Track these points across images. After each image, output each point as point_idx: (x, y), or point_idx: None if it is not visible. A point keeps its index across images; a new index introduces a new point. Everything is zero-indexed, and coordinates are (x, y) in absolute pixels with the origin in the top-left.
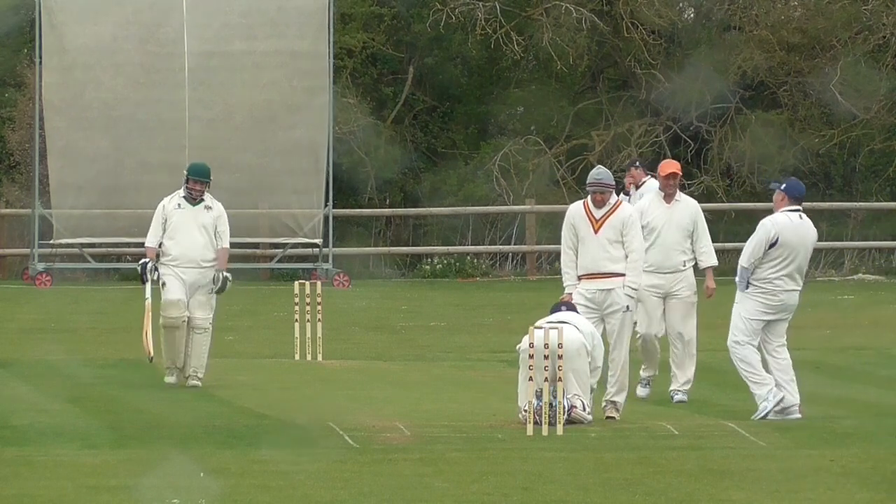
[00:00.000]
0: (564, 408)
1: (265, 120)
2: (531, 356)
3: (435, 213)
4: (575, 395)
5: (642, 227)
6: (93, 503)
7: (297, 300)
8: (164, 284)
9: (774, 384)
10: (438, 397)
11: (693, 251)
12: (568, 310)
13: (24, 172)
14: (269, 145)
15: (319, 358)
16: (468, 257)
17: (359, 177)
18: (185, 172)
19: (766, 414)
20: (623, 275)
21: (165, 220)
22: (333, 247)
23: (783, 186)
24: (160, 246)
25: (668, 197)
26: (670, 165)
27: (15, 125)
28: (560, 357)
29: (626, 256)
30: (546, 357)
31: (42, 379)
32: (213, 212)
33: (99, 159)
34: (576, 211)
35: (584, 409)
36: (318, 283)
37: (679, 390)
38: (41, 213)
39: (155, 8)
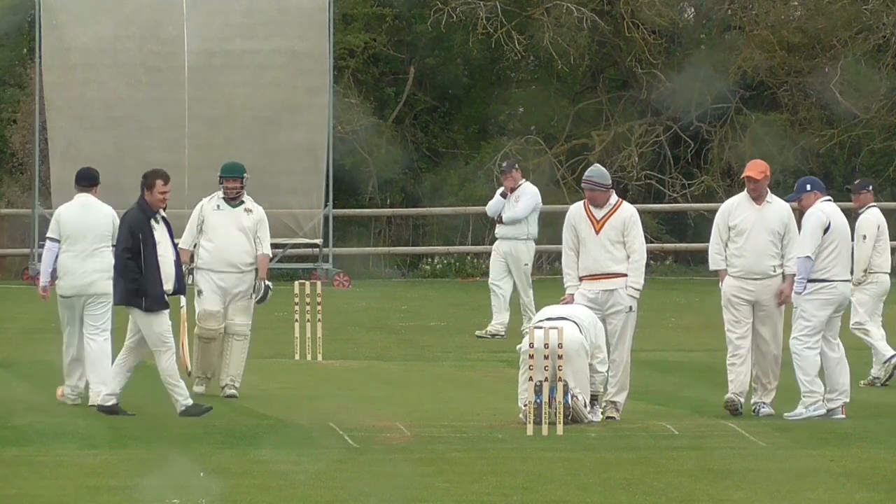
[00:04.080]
0: (566, 406)
1: (266, 120)
2: (531, 356)
3: (435, 213)
4: (578, 391)
5: (730, 228)
6: (93, 503)
7: (297, 300)
8: (199, 293)
9: (822, 399)
10: (438, 397)
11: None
12: None
13: (25, 172)
14: (270, 145)
15: (319, 358)
16: (468, 257)
17: (360, 177)
18: (218, 175)
19: (798, 418)
20: (625, 275)
21: (202, 222)
22: (334, 247)
23: (809, 187)
24: (195, 248)
25: (758, 199)
26: (752, 167)
27: (18, 126)
28: (560, 357)
29: (628, 257)
30: (546, 357)
31: (42, 379)
32: (254, 215)
33: (100, 159)
34: (576, 211)
35: (584, 405)
36: (318, 283)
37: (765, 402)
38: (41, 213)
39: (156, 7)
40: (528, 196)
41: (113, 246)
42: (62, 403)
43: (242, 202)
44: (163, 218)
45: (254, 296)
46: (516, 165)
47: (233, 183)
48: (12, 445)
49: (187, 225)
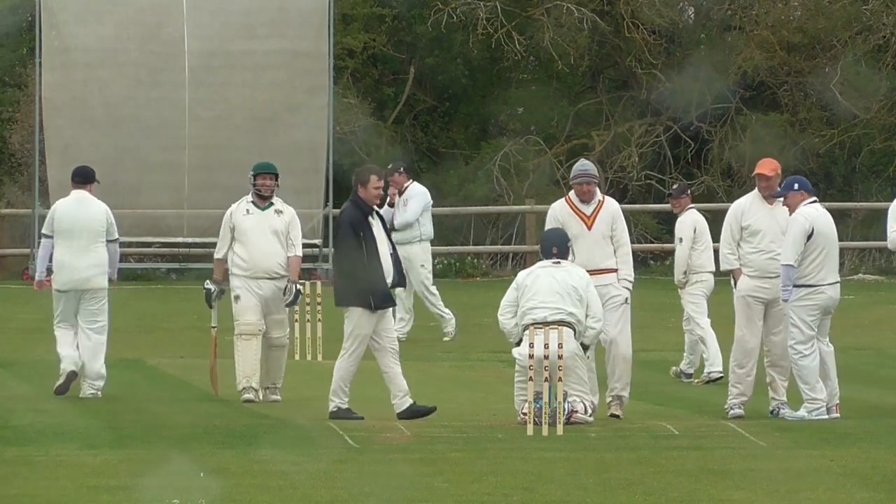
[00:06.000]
0: (565, 409)
1: (266, 120)
2: (531, 361)
3: (435, 213)
4: (576, 398)
5: (742, 228)
6: (93, 503)
7: None
8: (237, 298)
9: (825, 406)
10: (438, 397)
11: None
12: (559, 254)
13: (25, 173)
14: (270, 145)
15: (319, 358)
16: (469, 257)
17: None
18: (250, 174)
19: (798, 419)
20: (614, 270)
21: (234, 228)
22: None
23: (796, 186)
24: (230, 255)
25: (770, 198)
26: (764, 165)
27: (17, 126)
28: (560, 353)
29: (616, 251)
30: (546, 357)
31: (42, 379)
32: (285, 216)
33: (99, 159)
34: (561, 209)
35: (586, 412)
36: (318, 282)
37: (786, 402)
38: (41, 213)
39: (156, 7)
40: (415, 199)
41: (107, 241)
42: (62, 403)
43: (272, 204)
44: (377, 213)
45: (284, 297)
46: (401, 168)
47: (267, 180)
48: (12, 445)
49: (220, 234)
